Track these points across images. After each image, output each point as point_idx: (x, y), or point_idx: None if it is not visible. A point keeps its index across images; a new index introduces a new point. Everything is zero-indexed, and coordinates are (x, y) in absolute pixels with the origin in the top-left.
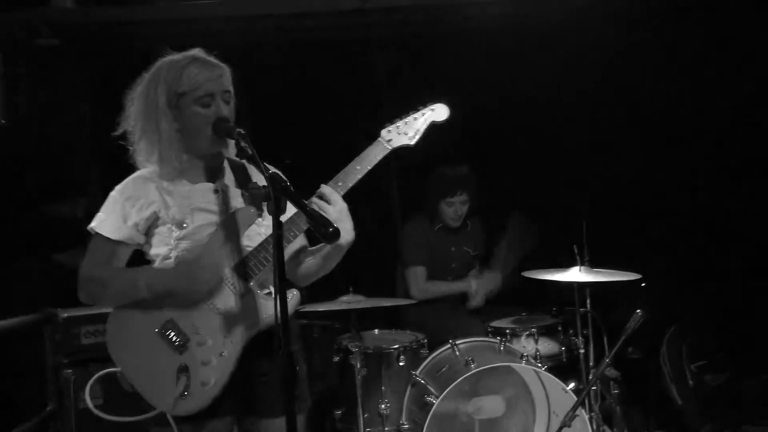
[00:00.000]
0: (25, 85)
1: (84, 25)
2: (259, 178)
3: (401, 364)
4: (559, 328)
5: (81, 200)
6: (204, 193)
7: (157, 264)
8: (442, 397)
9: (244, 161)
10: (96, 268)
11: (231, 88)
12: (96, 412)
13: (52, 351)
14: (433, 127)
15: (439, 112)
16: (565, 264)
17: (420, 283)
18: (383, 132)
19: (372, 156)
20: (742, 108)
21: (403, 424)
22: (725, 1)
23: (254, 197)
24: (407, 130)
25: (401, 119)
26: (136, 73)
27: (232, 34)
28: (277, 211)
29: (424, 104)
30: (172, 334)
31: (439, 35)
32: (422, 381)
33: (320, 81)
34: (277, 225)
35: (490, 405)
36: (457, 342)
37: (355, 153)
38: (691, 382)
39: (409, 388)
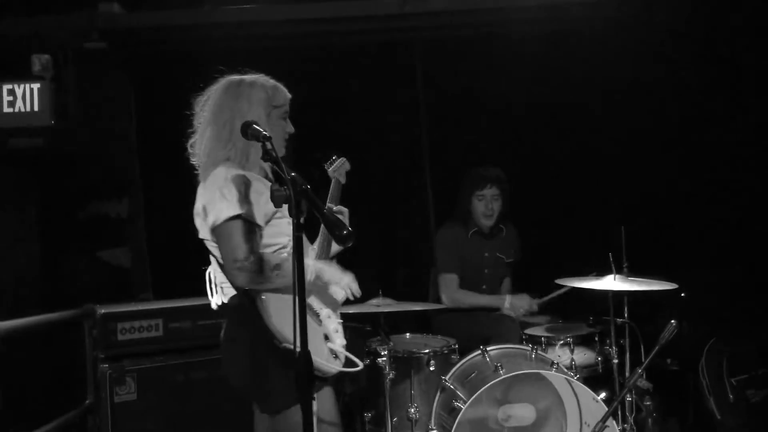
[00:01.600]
0: (73, 88)
1: (130, 30)
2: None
3: (431, 368)
4: (596, 338)
5: (125, 200)
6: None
7: (270, 251)
8: (469, 402)
9: None
10: (262, 253)
11: None
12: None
13: (91, 346)
14: (470, 131)
15: (347, 164)
16: (601, 272)
17: (452, 291)
18: (330, 170)
19: (338, 191)
20: None
21: (432, 429)
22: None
23: (276, 199)
24: (341, 171)
25: (335, 161)
26: (180, 77)
27: (275, 38)
28: (297, 213)
29: (336, 156)
30: (312, 309)
31: (476, 39)
32: (451, 386)
33: (358, 83)
34: (297, 227)
35: (521, 413)
36: (488, 348)
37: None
38: (731, 397)
39: (438, 392)
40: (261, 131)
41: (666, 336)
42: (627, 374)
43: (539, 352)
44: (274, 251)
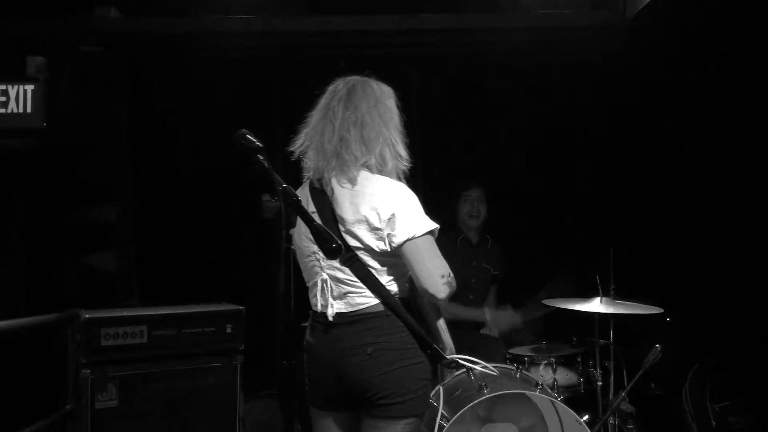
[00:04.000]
0: (67, 91)
1: (127, 35)
2: None
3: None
4: (579, 359)
5: (114, 204)
6: None
7: None
8: (453, 420)
9: None
10: None
11: None
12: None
13: (74, 351)
14: (461, 147)
15: None
16: (588, 294)
17: None
18: None
19: None
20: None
21: None
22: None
23: (267, 210)
24: None
25: None
26: (174, 83)
27: (270, 50)
28: (287, 224)
29: None
30: None
31: (469, 57)
32: (435, 403)
33: None
34: (287, 238)
35: None
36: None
37: None
38: (713, 423)
39: None
40: (254, 141)
41: (650, 360)
42: (610, 397)
43: (524, 371)
44: None
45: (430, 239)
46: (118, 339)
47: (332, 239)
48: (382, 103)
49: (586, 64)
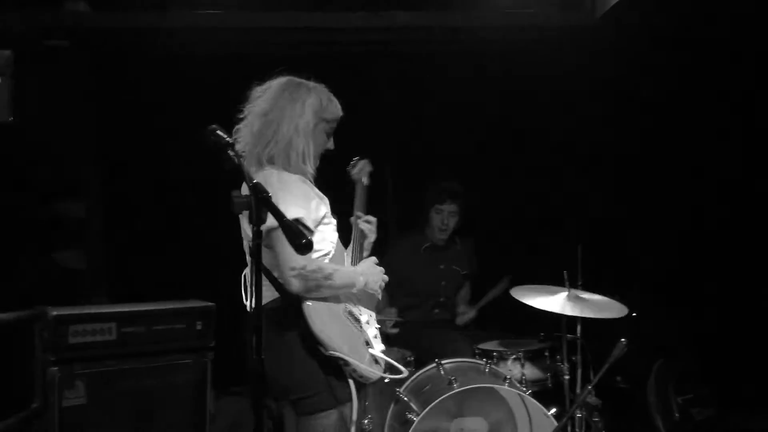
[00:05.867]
0: (33, 86)
1: (96, 30)
2: None
3: (386, 380)
4: (546, 353)
5: (82, 201)
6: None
7: (314, 257)
8: (422, 414)
9: None
10: (317, 261)
11: None
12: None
13: (41, 348)
14: (434, 145)
15: (369, 165)
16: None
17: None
18: (353, 173)
19: (363, 194)
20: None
21: None
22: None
23: (236, 205)
24: (365, 173)
25: (357, 163)
26: (143, 79)
27: (241, 45)
28: (257, 220)
29: (358, 157)
30: (353, 316)
31: (441, 54)
32: (405, 398)
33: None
34: (257, 234)
35: (473, 426)
36: (443, 361)
37: None
38: (676, 415)
39: (392, 404)
40: (223, 137)
41: (616, 354)
42: (577, 390)
43: (492, 366)
44: (317, 258)
45: None
46: (86, 336)
47: (302, 235)
48: (271, 95)
49: (556, 63)
